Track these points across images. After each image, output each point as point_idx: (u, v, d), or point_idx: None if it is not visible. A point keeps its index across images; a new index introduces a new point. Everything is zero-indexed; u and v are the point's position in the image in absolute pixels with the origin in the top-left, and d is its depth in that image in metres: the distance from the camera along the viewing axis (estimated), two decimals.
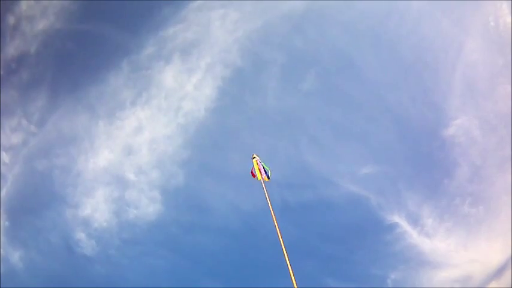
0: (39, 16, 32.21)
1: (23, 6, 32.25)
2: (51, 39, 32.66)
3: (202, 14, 33.02)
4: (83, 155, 32.36)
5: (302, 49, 33.27)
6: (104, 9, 33.09)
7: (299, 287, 9.21)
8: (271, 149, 31.33)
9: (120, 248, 30.70)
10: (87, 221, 30.87)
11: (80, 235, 30.54)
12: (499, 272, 26.30)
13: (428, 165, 31.25)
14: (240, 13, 32.75)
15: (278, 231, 10.73)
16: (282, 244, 10.32)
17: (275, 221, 11.16)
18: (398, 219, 29.23)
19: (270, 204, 11.89)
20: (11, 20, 31.83)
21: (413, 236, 28.93)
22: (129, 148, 32.65)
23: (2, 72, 31.69)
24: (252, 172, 14.32)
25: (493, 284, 26.34)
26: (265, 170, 14.08)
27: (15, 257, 29.49)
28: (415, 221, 29.31)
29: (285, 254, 10.00)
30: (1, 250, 28.93)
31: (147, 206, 31.38)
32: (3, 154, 30.84)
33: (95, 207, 31.19)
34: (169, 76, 33.16)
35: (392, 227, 29.19)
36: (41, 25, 32.24)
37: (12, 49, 31.89)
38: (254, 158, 14.59)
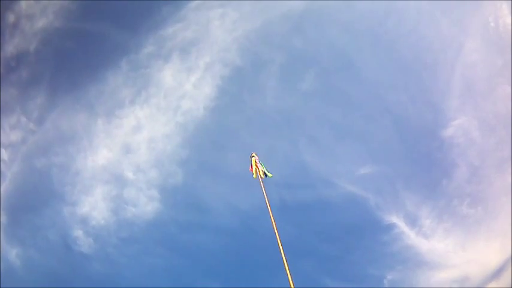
0: (39, 14, 32.30)
1: (23, 4, 32.37)
2: (50, 38, 32.78)
3: (202, 14, 33.10)
4: (81, 153, 32.43)
5: (301, 49, 33.35)
6: (103, 8, 33.16)
7: (296, 286, 9.23)
8: (270, 149, 31.37)
9: (118, 246, 30.75)
10: (85, 219, 30.93)
11: (78, 233, 30.60)
12: (497, 273, 26.25)
13: (426, 166, 31.27)
14: (239, 12, 32.83)
15: (276, 231, 10.75)
16: (279, 243, 10.35)
17: (273, 220, 11.18)
18: (396, 219, 29.23)
19: (268, 204, 11.90)
20: (10, 18, 31.92)
21: (411, 236, 28.94)
22: (128, 147, 32.73)
23: (1, 70, 31.81)
24: (251, 168, 14.40)
25: (492, 285, 26.33)
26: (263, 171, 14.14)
27: (13, 254, 29.58)
28: (413, 221, 29.32)
29: (282, 253, 10.01)
30: (0, 248, 29.07)
31: (145, 205, 31.43)
32: (3, 151, 30.98)
33: (93, 206, 31.24)
34: (168, 75, 33.23)
35: (390, 227, 29.21)
36: (41, 23, 32.34)
37: (11, 47, 31.98)
38: (253, 156, 14.67)
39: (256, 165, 14.25)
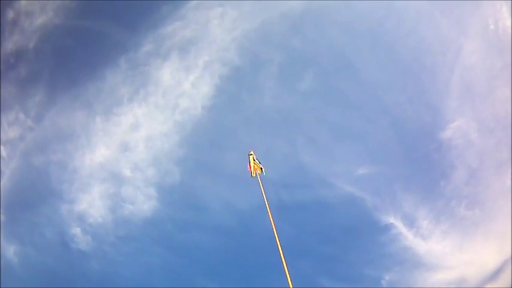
0: (38, 12, 32.27)
1: (22, 2, 32.35)
2: (49, 35, 32.72)
3: (201, 13, 33.07)
4: (79, 150, 32.43)
5: (300, 49, 33.30)
6: (102, 6, 33.09)
7: (294, 286, 9.23)
8: (268, 148, 31.33)
9: (116, 244, 30.76)
10: (82, 216, 30.94)
11: (76, 231, 30.62)
12: (494, 275, 26.29)
13: (424, 167, 31.30)
14: (238, 12, 32.79)
15: (274, 230, 10.75)
16: (278, 243, 10.36)
17: (271, 220, 11.18)
18: (394, 220, 29.27)
19: (266, 203, 11.92)
20: (10, 15, 31.90)
21: (408, 237, 28.96)
22: (126, 145, 32.71)
23: (0, 67, 31.81)
24: (249, 167, 14.43)
25: (489, 286, 26.35)
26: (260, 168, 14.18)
27: (11, 252, 29.60)
28: (410, 222, 29.38)
29: (281, 253, 10.02)
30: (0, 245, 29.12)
31: (143, 203, 31.45)
32: (2, 148, 30.99)
33: (91, 203, 31.26)
34: (166, 74, 33.19)
35: (388, 228, 29.25)
36: (40, 21, 32.29)
37: (11, 44, 31.96)
38: (251, 154, 14.75)
39: (254, 162, 14.28)
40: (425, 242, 28.85)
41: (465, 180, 29.50)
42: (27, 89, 32.43)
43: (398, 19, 31.41)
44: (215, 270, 30.33)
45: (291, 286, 9.20)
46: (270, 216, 11.33)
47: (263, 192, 12.53)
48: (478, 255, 27.49)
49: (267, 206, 11.73)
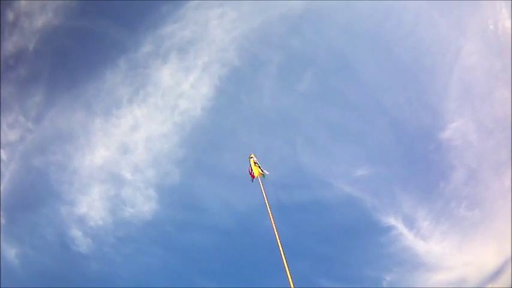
0: (38, 13, 32.24)
1: (22, 2, 32.33)
2: (49, 36, 32.71)
3: (200, 13, 33.04)
4: (79, 152, 32.44)
5: (299, 49, 33.32)
6: (102, 7, 33.04)
7: (295, 286, 9.25)
8: (267, 149, 31.35)
9: (115, 245, 30.79)
10: (82, 218, 30.95)
11: (76, 232, 30.62)
12: (494, 275, 26.31)
13: (424, 168, 31.30)
14: (237, 12, 32.79)
15: (275, 230, 10.75)
16: (279, 243, 10.35)
17: (272, 220, 11.16)
18: (394, 221, 29.27)
19: (267, 203, 11.89)
20: (10, 16, 31.86)
21: (408, 238, 28.99)
22: (125, 146, 32.72)
23: (0, 68, 31.79)
24: (250, 173, 14.39)
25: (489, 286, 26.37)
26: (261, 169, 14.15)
27: (12, 253, 29.61)
28: (410, 223, 29.39)
29: (282, 253, 10.02)
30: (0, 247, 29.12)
31: (143, 205, 31.47)
32: (1, 150, 30.97)
33: (91, 205, 31.26)
34: (166, 74, 33.20)
35: (388, 229, 29.26)
36: (40, 22, 32.27)
37: (10, 45, 31.91)
38: (251, 157, 14.66)
39: (254, 165, 14.25)
40: (425, 242, 28.93)
41: (464, 180, 29.58)
42: (26, 90, 32.47)
43: (397, 20, 31.48)
44: (214, 271, 30.44)
45: (292, 286, 9.23)
46: (271, 216, 11.32)
47: (263, 193, 12.52)
48: (477, 255, 27.55)
49: (268, 206, 11.72)
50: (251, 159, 14.62)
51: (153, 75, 33.43)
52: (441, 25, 30.83)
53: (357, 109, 32.22)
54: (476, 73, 30.16)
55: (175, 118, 32.69)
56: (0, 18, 31.38)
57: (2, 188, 30.43)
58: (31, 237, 30.80)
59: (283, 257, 9.93)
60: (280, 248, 10.19)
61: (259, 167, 14.25)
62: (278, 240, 10.44)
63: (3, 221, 29.98)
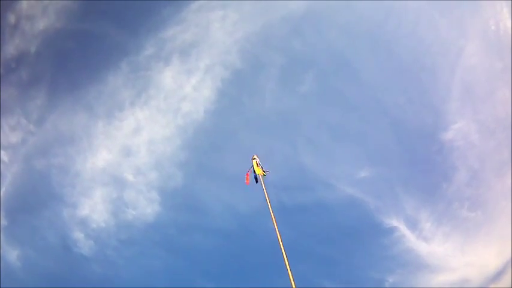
0: (40, 15, 32.25)
1: (24, 5, 32.31)
2: (51, 39, 32.66)
3: (202, 15, 33.03)
4: (81, 154, 32.37)
5: (301, 51, 33.32)
6: (104, 10, 33.07)
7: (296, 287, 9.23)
8: (269, 151, 31.25)
9: (118, 248, 30.72)
10: (85, 221, 30.89)
11: (78, 235, 30.58)
12: (496, 276, 26.32)
13: (426, 169, 31.29)
14: (239, 15, 32.80)
15: (277, 232, 10.73)
16: (281, 245, 10.31)
17: (274, 222, 11.14)
18: (396, 222, 29.25)
19: (269, 205, 11.86)
20: (11, 18, 31.83)
21: (411, 239, 28.97)
22: (128, 149, 32.68)
23: (1, 71, 31.77)
24: (247, 176, 14.38)
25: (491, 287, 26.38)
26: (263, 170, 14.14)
27: (13, 256, 29.57)
28: (413, 224, 29.36)
29: (284, 255, 9.99)
30: (0, 249, 29.09)
31: (145, 207, 31.42)
32: (3, 153, 30.98)
33: (93, 207, 31.21)
34: (168, 77, 33.18)
35: (390, 230, 29.23)
36: (41, 24, 32.23)
37: (12, 48, 31.91)
38: (254, 159, 14.62)
39: (257, 167, 14.24)
40: (427, 244, 28.91)
41: (467, 181, 29.57)
42: (28, 92, 32.42)
43: (398, 21, 31.47)
44: (217, 273, 30.35)
45: (294, 287, 9.20)
46: (273, 218, 11.32)
47: (266, 194, 12.51)
48: (480, 256, 27.55)
49: (270, 208, 11.72)
50: (254, 161, 14.56)
51: (155, 77, 33.48)
52: (442, 25, 30.91)
53: (358, 110, 32.32)
54: (477, 73, 30.22)
55: (178, 121, 32.73)
56: (1, 20, 31.46)
57: (3, 190, 30.48)
58: (33, 239, 30.81)
59: (285, 258, 9.91)
60: (283, 250, 10.16)
61: (262, 167, 14.26)
62: (280, 242, 10.43)
63: (4, 222, 30.01)
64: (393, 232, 29.03)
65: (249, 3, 32.86)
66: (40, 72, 32.70)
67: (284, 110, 33.19)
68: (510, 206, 26.22)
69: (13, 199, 30.93)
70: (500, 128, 28.81)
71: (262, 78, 33.24)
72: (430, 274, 28.08)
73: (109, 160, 32.20)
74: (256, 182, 13.99)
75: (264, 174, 13.89)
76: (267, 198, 12.28)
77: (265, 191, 12.70)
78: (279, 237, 10.60)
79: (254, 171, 14.24)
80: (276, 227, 10.96)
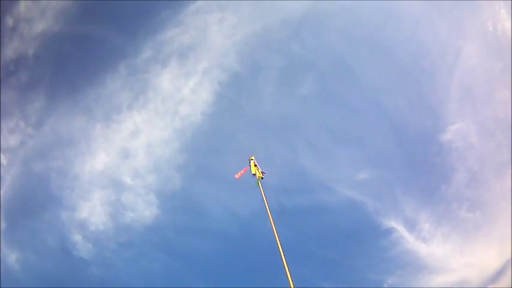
0: (38, 18, 32.32)
1: (22, 7, 32.39)
2: (49, 41, 32.72)
3: (200, 18, 33.07)
4: (79, 157, 32.39)
5: (300, 54, 33.29)
6: (102, 12, 33.18)
7: None
8: (268, 154, 31.29)
9: (117, 250, 30.69)
10: (83, 223, 30.87)
11: (77, 238, 30.56)
12: (496, 277, 26.26)
13: (425, 171, 31.23)
14: (237, 17, 32.84)
15: (276, 234, 10.76)
16: (280, 247, 10.35)
17: (273, 224, 11.16)
18: (395, 224, 29.21)
19: (267, 207, 11.90)
20: (9, 21, 31.91)
21: (410, 241, 28.92)
22: (126, 151, 32.66)
23: (0, 74, 31.83)
24: (240, 173, 14.43)
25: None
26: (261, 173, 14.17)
27: (12, 258, 29.54)
28: (412, 226, 29.30)
29: (283, 257, 10.02)
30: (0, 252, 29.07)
31: (144, 210, 31.39)
32: (2, 156, 30.98)
33: (92, 210, 31.20)
34: (166, 80, 33.19)
35: (389, 231, 29.19)
36: (40, 27, 32.32)
37: (10, 51, 31.97)
38: (252, 159, 14.74)
39: (255, 167, 14.29)
40: (426, 245, 28.85)
41: (466, 182, 29.51)
42: (27, 95, 32.46)
43: (397, 23, 31.50)
44: (215, 275, 30.28)
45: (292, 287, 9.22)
46: (272, 221, 11.33)
47: (264, 197, 12.53)
48: (479, 257, 27.49)
49: (268, 210, 11.73)
50: (251, 161, 14.66)
51: (153, 80, 33.48)
52: (440, 27, 30.92)
53: (357, 112, 32.27)
54: (476, 74, 30.19)
55: (176, 123, 32.74)
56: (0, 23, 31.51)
57: (2, 192, 30.48)
58: (32, 242, 30.81)
59: (283, 260, 9.93)
60: (281, 252, 10.19)
61: (259, 168, 14.30)
62: (279, 244, 10.44)
63: (3, 225, 29.99)
64: (392, 233, 29.04)
65: (247, 5, 32.95)
66: (39, 75, 32.79)
67: (283, 113, 33.23)
68: (510, 207, 26.16)
69: (12, 202, 30.96)
70: (499, 129, 28.80)
71: (261, 81, 33.28)
72: (429, 275, 28.05)
73: (107, 163, 32.24)
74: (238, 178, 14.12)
75: (262, 177, 13.92)
76: (265, 201, 12.30)
77: (263, 193, 12.72)
78: (277, 239, 10.60)
79: (251, 171, 14.33)
80: (274, 228, 10.96)
